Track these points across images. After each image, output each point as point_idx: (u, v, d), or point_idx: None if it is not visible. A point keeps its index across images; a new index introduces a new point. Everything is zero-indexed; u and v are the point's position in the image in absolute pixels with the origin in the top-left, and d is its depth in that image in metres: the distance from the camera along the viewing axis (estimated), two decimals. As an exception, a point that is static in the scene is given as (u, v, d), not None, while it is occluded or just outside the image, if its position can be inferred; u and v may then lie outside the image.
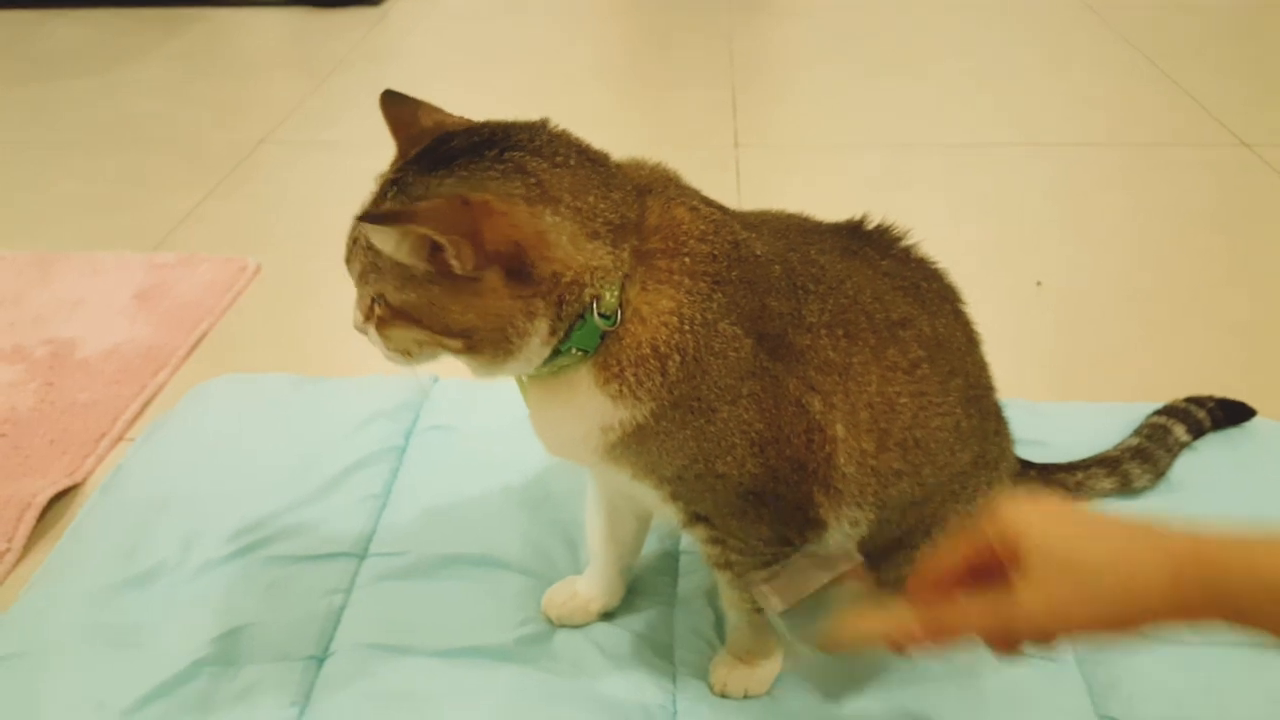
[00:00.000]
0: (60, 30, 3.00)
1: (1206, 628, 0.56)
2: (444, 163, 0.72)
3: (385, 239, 0.69)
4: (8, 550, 1.16)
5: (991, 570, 0.62)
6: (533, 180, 0.71)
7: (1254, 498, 1.16)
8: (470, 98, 2.63)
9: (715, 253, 0.77)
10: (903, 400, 0.83)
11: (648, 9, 3.23)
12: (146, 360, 1.50)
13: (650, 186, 0.79)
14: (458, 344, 0.74)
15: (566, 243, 0.72)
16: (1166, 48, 2.63)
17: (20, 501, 1.21)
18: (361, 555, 1.14)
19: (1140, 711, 0.95)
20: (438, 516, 1.18)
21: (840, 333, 0.80)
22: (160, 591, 1.10)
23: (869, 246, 0.88)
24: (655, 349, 0.74)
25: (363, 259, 0.74)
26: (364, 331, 0.78)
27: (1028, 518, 0.61)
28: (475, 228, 0.67)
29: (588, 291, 0.72)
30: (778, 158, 2.14)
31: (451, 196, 0.69)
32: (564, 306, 0.72)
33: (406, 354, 0.77)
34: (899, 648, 0.66)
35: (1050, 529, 0.60)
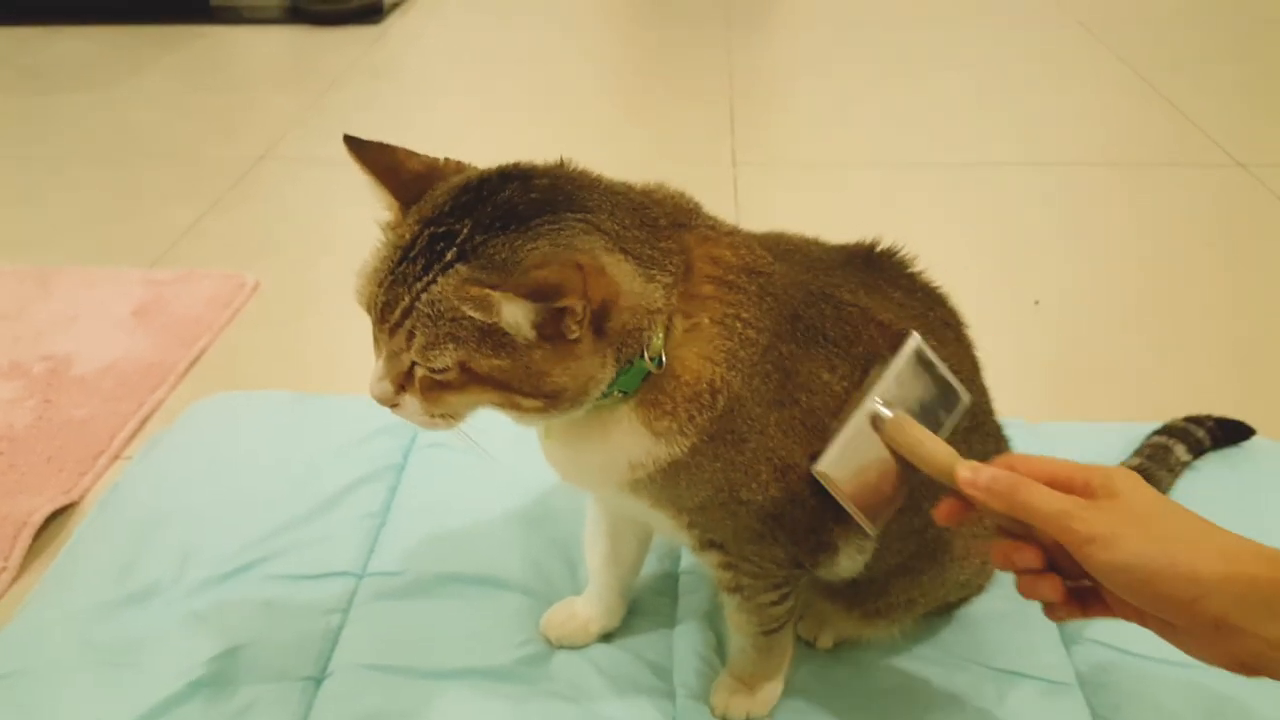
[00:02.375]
0: (61, 45, 3.01)
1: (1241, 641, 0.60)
2: (513, 220, 0.68)
3: (519, 310, 0.65)
4: (3, 569, 1.16)
5: (1074, 490, 0.67)
6: (607, 236, 0.70)
7: (1254, 517, 1.14)
8: (471, 114, 2.63)
9: (755, 290, 0.77)
10: None
11: (646, 25, 3.25)
12: (144, 377, 1.49)
13: (682, 220, 0.78)
14: (538, 404, 0.70)
15: (637, 292, 0.71)
16: (1161, 67, 2.64)
17: (16, 520, 1.20)
18: (360, 574, 1.13)
19: (1143, 735, 0.94)
20: (437, 535, 1.18)
21: (859, 374, 0.80)
22: (157, 610, 1.09)
23: (880, 277, 0.88)
24: (711, 384, 0.74)
25: (429, 329, 0.67)
26: (392, 404, 0.73)
27: (1127, 473, 0.68)
28: (586, 290, 0.66)
29: (645, 335, 0.72)
30: (775, 176, 2.15)
31: (565, 260, 0.66)
32: (623, 352, 0.72)
33: (452, 418, 0.74)
34: (965, 486, 0.70)
35: (1141, 488, 0.67)
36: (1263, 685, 0.95)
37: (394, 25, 3.16)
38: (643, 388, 0.74)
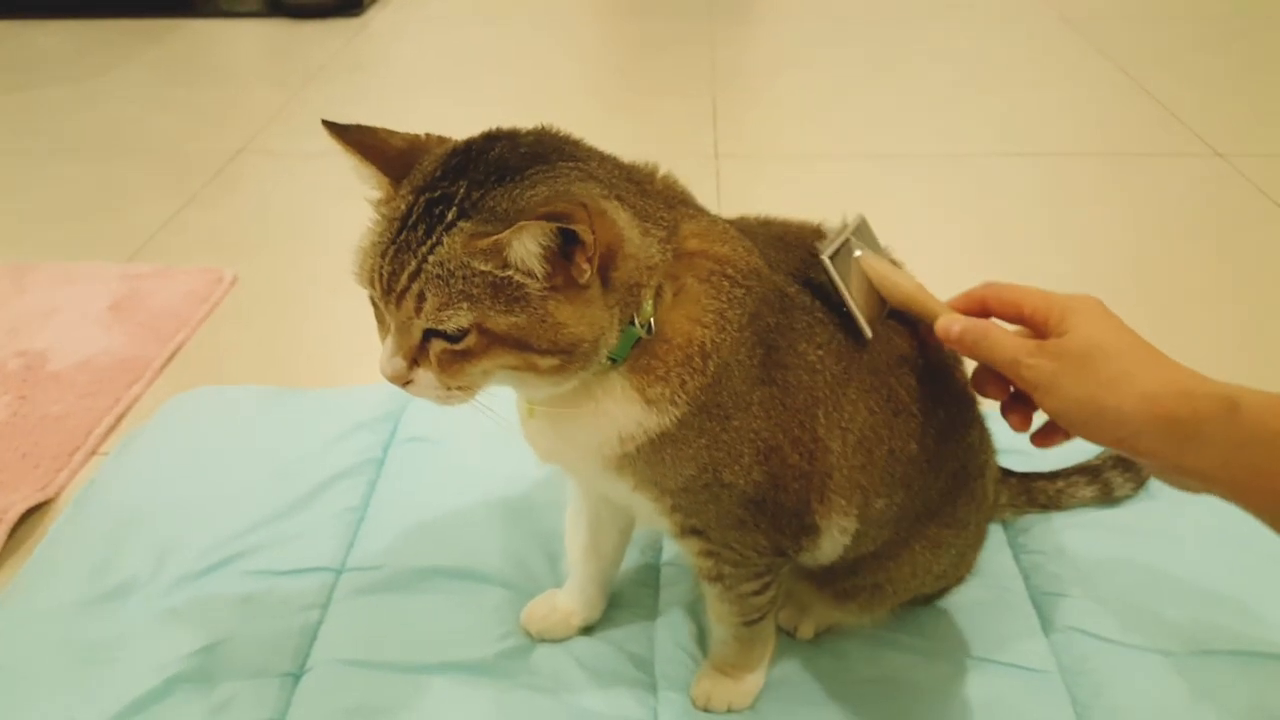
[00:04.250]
0: (39, 40, 2.98)
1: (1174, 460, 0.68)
2: (508, 173, 0.68)
3: (529, 246, 0.64)
4: (-23, 566, 1.14)
5: (1037, 324, 0.74)
6: (602, 184, 0.70)
7: (1232, 507, 1.16)
8: (452, 107, 2.61)
9: (741, 262, 0.77)
10: (884, 434, 0.84)
11: (629, 17, 3.24)
12: (121, 372, 1.48)
13: (670, 198, 0.78)
14: (555, 362, 0.69)
15: (636, 242, 0.71)
16: (1141, 60, 2.66)
17: (-9, 516, 1.19)
18: (339, 569, 1.13)
19: (1123, 722, 0.95)
20: (416, 529, 1.17)
21: (843, 364, 0.81)
22: (134, 607, 1.08)
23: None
24: (701, 347, 0.74)
25: (440, 290, 0.66)
26: (405, 381, 0.70)
27: (1084, 305, 0.73)
28: (592, 225, 0.64)
29: (643, 293, 0.72)
30: (758, 167, 2.14)
31: (569, 197, 0.65)
32: (624, 310, 0.71)
33: (468, 390, 0.71)
34: (940, 335, 0.77)
35: (1090, 323, 0.72)
36: (1245, 668, 0.97)
37: (374, 18, 3.14)
38: (633, 354, 0.73)
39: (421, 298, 0.66)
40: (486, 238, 0.64)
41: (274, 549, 1.14)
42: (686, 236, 0.76)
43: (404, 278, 0.66)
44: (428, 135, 0.76)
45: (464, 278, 0.65)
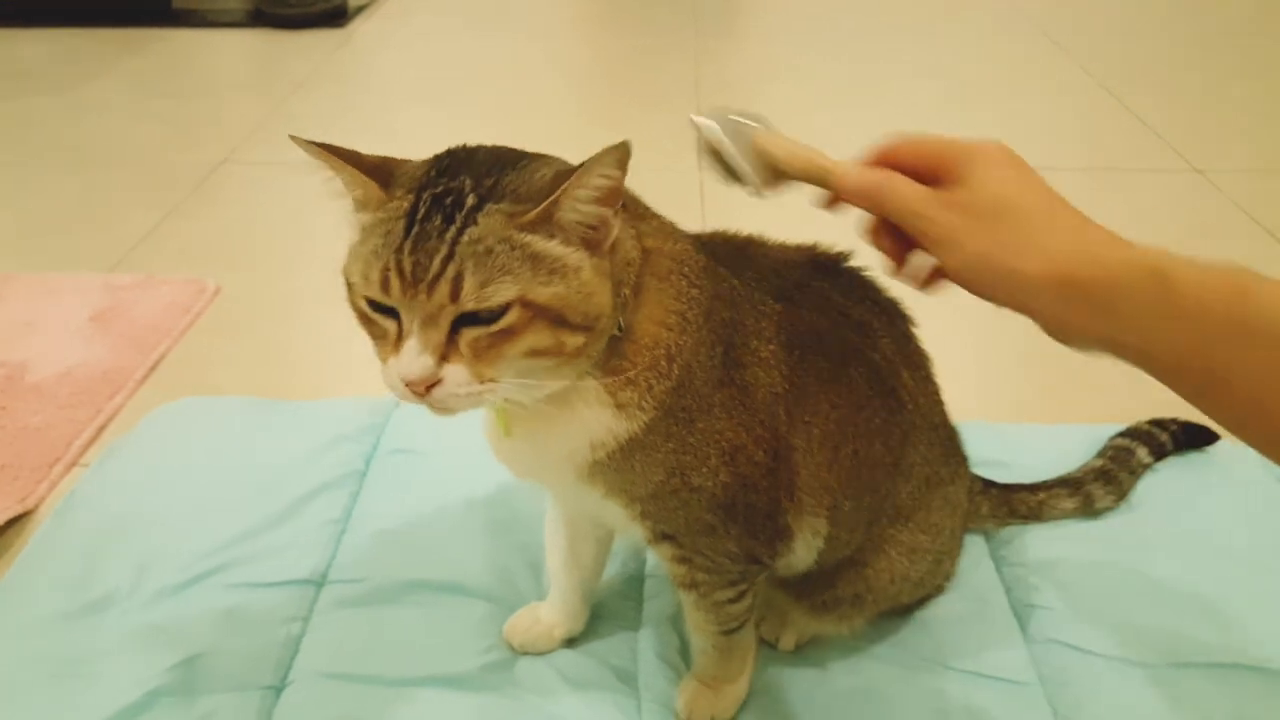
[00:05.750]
0: (19, 49, 2.96)
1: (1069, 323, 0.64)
2: (506, 164, 0.70)
3: (584, 200, 0.67)
4: (-46, 579, 1.13)
5: (941, 172, 0.68)
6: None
7: (1212, 520, 1.18)
8: (436, 119, 2.61)
9: (692, 260, 0.79)
10: (848, 432, 0.85)
11: (614, 31, 3.25)
12: (102, 383, 1.47)
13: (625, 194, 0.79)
14: (580, 341, 0.69)
15: (621, 234, 0.72)
16: (1122, 76, 2.69)
17: (-32, 529, 1.18)
18: (320, 582, 1.12)
19: (1104, 733, 0.95)
20: (399, 542, 1.17)
21: (797, 352, 0.83)
22: (114, 620, 1.07)
23: (821, 273, 0.90)
24: (667, 351, 0.75)
25: (481, 267, 0.65)
26: (433, 381, 0.67)
27: (986, 155, 0.68)
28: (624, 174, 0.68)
29: (623, 290, 0.73)
30: (743, 181, 2.15)
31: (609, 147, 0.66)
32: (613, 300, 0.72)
33: (497, 383, 0.69)
34: (830, 187, 0.73)
35: (993, 174, 0.67)
36: (1225, 680, 0.98)
37: (359, 29, 3.14)
38: (605, 355, 0.74)
39: (459, 279, 0.65)
40: (532, 210, 0.66)
41: (255, 561, 1.13)
42: (644, 234, 0.77)
43: (435, 264, 0.65)
44: (392, 157, 0.75)
45: (503, 252, 0.65)
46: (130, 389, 1.47)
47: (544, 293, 0.67)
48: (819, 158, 0.75)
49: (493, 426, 0.83)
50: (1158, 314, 0.60)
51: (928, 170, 0.69)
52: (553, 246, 0.67)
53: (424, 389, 0.67)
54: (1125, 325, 0.62)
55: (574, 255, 0.68)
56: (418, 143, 0.77)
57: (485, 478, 1.22)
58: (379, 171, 0.72)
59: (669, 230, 0.81)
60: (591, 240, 0.69)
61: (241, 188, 2.13)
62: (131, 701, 0.96)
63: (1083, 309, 0.63)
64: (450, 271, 0.65)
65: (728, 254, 0.86)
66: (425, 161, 0.72)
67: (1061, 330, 0.66)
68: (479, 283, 0.65)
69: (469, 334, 0.67)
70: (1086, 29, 3.10)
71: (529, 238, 0.66)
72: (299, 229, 1.88)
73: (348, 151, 0.72)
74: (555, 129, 2.36)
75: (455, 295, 0.65)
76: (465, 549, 1.15)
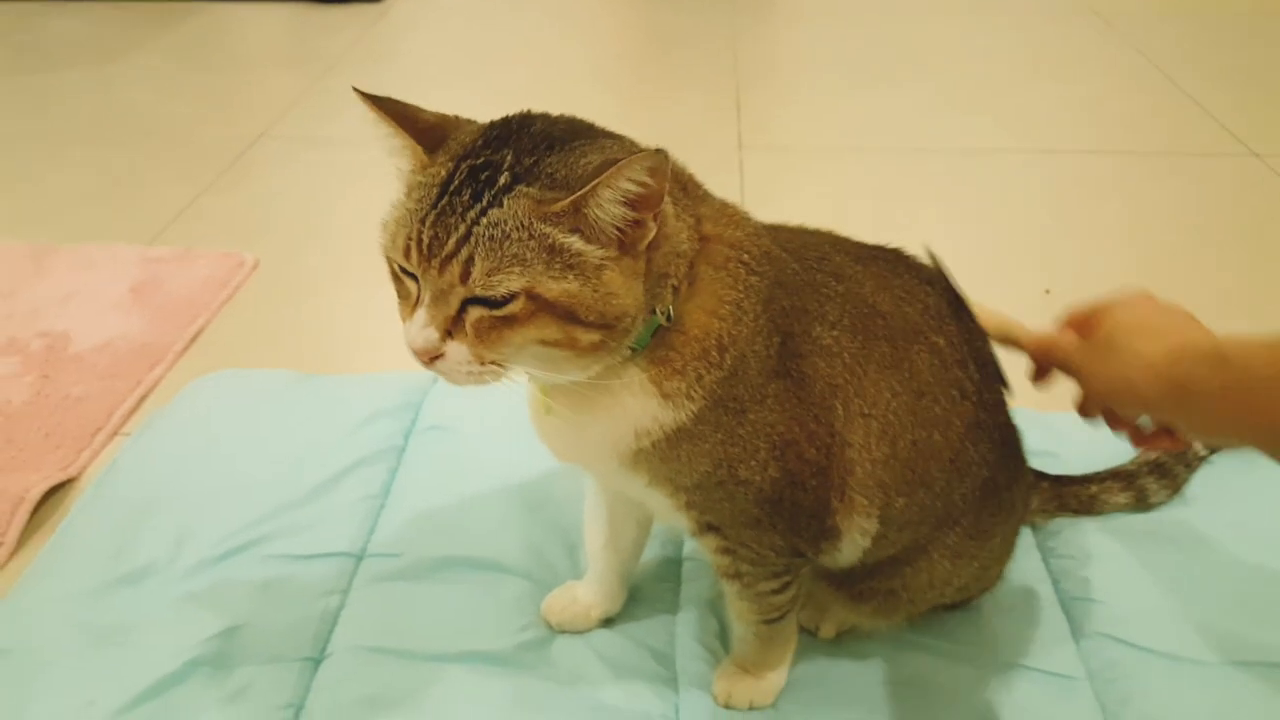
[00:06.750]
0: (57, 23, 2.98)
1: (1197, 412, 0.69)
2: (555, 143, 0.67)
3: (613, 199, 0.64)
4: (0, 544, 1.14)
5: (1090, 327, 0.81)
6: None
7: (1270, 516, 1.14)
8: (471, 96, 2.62)
9: (753, 246, 0.77)
10: (907, 421, 0.82)
11: (651, 10, 3.22)
12: (141, 355, 1.47)
13: (683, 183, 0.77)
14: (595, 337, 0.67)
15: (673, 223, 0.71)
16: (1174, 54, 2.62)
17: (13, 496, 1.19)
18: (359, 556, 1.12)
19: (1152, 730, 0.93)
20: (437, 518, 1.16)
21: (860, 338, 0.80)
22: (153, 590, 1.07)
23: (884, 256, 0.88)
24: (719, 341, 0.73)
25: (493, 253, 0.64)
26: (435, 355, 0.67)
27: (1116, 302, 0.79)
28: (660, 183, 0.65)
29: (669, 283, 0.71)
30: (782, 160, 2.12)
31: (639, 152, 0.64)
32: (653, 297, 0.70)
33: (500, 366, 0.68)
34: (1017, 343, 0.88)
35: (1116, 311, 0.78)
36: (1269, 682, 0.95)
37: (395, 4, 3.13)
38: (651, 344, 0.72)
39: (469, 262, 0.64)
40: (558, 200, 0.64)
41: (294, 534, 1.13)
42: (701, 221, 0.75)
43: (450, 243, 0.64)
44: (456, 116, 0.75)
45: (519, 240, 0.64)
46: (169, 361, 1.48)
47: (554, 288, 0.65)
48: (1011, 323, 0.90)
49: (535, 405, 0.82)
50: (1221, 391, 0.67)
51: (1086, 325, 0.81)
52: (574, 241, 0.65)
53: (428, 359, 0.67)
54: (1203, 408, 0.68)
55: (597, 254, 0.66)
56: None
57: (523, 457, 1.21)
58: (432, 132, 0.71)
59: (731, 216, 0.78)
60: (626, 239, 0.66)
61: (279, 163, 2.13)
62: (170, 671, 0.97)
63: (1179, 405, 0.70)
64: (464, 253, 0.64)
65: (790, 235, 0.83)
66: (481, 126, 0.71)
67: (1197, 432, 0.74)
68: (487, 269, 0.64)
69: (475, 314, 0.66)
70: (1138, 8, 3.02)
71: (551, 229, 0.64)
72: (337, 204, 1.88)
73: (403, 109, 0.72)
74: (591, 106, 2.34)
75: (465, 277, 0.65)
76: (502, 527, 1.15)
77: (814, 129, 2.31)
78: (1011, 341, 0.89)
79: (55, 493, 1.23)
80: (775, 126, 2.31)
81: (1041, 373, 0.88)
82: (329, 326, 1.56)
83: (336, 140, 2.13)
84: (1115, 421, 0.84)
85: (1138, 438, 0.83)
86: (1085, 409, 0.85)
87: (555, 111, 0.74)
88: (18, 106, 2.42)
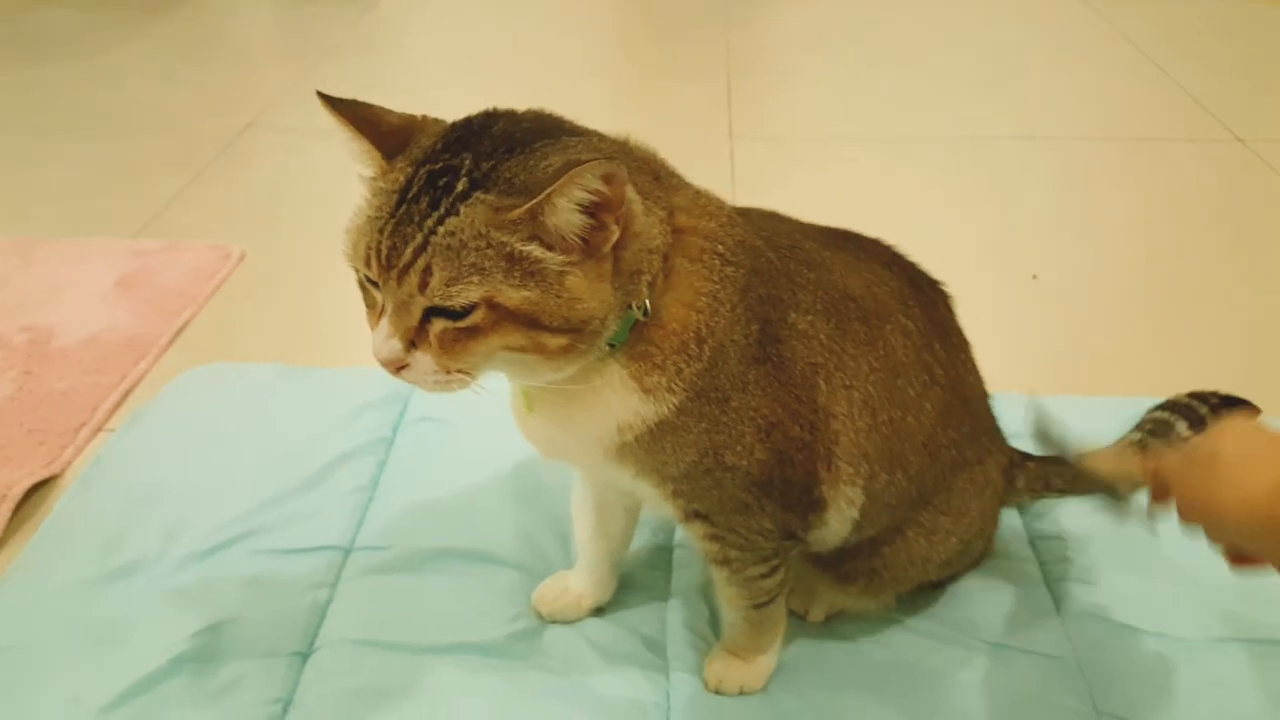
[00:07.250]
0: (46, 14, 2.95)
1: None
2: (515, 145, 0.66)
3: (570, 207, 0.63)
4: (-17, 542, 1.13)
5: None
6: (606, 157, 0.68)
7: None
8: (464, 86, 2.59)
9: (727, 236, 0.76)
10: (884, 398, 0.83)
11: (644, 2, 3.20)
12: (127, 349, 1.47)
13: (653, 171, 0.76)
14: (562, 342, 0.66)
15: (642, 220, 0.70)
16: (1163, 43, 2.62)
17: (-3, 492, 1.18)
18: (348, 549, 1.11)
19: (1141, 709, 0.93)
20: (426, 510, 1.16)
21: (834, 320, 0.81)
22: (140, 585, 1.07)
23: (851, 240, 0.89)
24: (697, 333, 0.73)
25: (450, 263, 0.63)
26: (400, 365, 0.67)
27: (1208, 435, 0.75)
28: (622, 185, 0.64)
29: (643, 279, 0.70)
30: (773, 150, 2.12)
31: (598, 155, 0.63)
32: (626, 294, 0.69)
33: (467, 375, 0.68)
34: (1133, 474, 0.86)
35: (1207, 442, 0.74)
36: (1265, 658, 0.96)
37: (386, -5, 3.12)
38: (629, 340, 0.72)
39: (427, 272, 0.63)
40: (516, 208, 0.63)
41: (282, 528, 1.13)
42: (675, 213, 0.75)
43: (407, 252, 0.64)
44: (424, 116, 0.73)
45: (477, 249, 0.63)
46: (155, 354, 1.47)
47: (514, 296, 0.64)
48: (1120, 459, 0.92)
49: (517, 402, 0.82)
50: None
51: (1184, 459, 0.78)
52: (533, 249, 0.64)
53: (394, 369, 0.67)
54: None
55: (558, 260, 0.64)
56: (446, 110, 0.75)
57: (512, 447, 1.19)
58: (395, 135, 0.70)
59: (704, 206, 0.77)
60: (589, 243, 0.65)
61: (268, 153, 2.12)
62: (158, 667, 0.97)
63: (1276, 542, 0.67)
64: (421, 263, 0.63)
65: (761, 221, 0.84)
66: (442, 129, 0.70)
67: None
68: (445, 280, 0.63)
69: (438, 325, 0.65)
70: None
71: (508, 237, 0.63)
72: (326, 195, 1.85)
73: (366, 112, 0.70)
74: (583, 96, 2.34)
75: (423, 287, 0.64)
76: (493, 518, 1.15)
77: (805, 118, 2.31)
78: (1135, 483, 0.87)
79: (38, 490, 1.22)
80: (766, 115, 2.31)
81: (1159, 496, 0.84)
82: (316, 319, 1.55)
83: (325, 131, 2.08)
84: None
85: (1235, 558, 0.79)
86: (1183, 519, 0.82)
87: (539, 104, 0.73)
88: (7, 99, 2.41)
